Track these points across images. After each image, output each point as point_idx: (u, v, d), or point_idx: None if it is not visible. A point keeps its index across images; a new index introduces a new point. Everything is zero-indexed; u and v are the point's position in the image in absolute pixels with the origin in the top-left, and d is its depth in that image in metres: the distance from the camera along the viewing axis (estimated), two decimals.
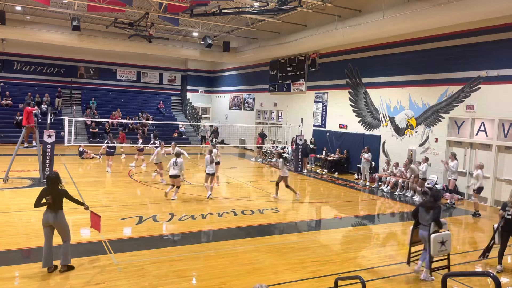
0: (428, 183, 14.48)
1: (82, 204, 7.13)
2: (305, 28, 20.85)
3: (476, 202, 11.88)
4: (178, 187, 12.37)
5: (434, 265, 7.04)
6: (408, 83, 16.30)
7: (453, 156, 13.20)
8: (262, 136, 24.60)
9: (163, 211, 10.78)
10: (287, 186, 12.75)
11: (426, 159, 14.06)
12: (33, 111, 15.47)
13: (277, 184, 12.91)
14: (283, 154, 21.89)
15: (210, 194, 12.57)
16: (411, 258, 7.29)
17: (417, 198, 13.83)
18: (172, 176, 12.28)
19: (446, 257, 7.18)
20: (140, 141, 18.22)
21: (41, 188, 6.85)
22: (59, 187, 6.79)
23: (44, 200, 6.66)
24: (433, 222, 6.89)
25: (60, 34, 23.28)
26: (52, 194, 6.63)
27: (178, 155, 12.57)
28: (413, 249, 7.33)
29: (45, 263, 6.57)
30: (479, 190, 11.92)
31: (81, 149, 20.40)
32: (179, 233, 9.24)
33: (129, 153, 21.31)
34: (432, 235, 6.82)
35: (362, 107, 18.60)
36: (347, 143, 19.29)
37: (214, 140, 24.59)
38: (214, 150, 14.03)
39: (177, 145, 15.26)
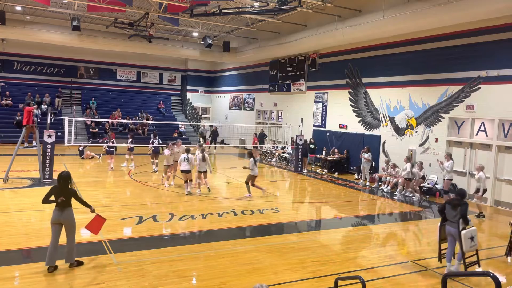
0: (428, 183, 14.51)
1: (89, 206, 7.15)
2: (305, 28, 20.84)
3: (479, 204, 11.84)
4: (191, 180, 12.90)
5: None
6: (408, 83, 16.30)
7: (449, 156, 13.28)
8: (262, 136, 24.57)
9: (163, 211, 10.79)
10: (246, 183, 13.09)
11: (408, 159, 14.36)
12: (32, 110, 15.46)
13: (252, 185, 13.07)
14: (283, 154, 22.12)
15: (200, 191, 13.14)
16: (441, 254, 7.49)
17: (416, 198, 13.82)
18: (184, 171, 12.80)
19: (474, 253, 7.38)
20: (130, 140, 18.17)
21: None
22: (70, 186, 6.85)
23: (52, 198, 6.72)
24: (461, 218, 7.05)
25: (60, 34, 23.29)
26: (62, 192, 6.70)
27: (188, 150, 13.11)
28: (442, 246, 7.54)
29: (48, 261, 6.57)
30: (479, 190, 11.90)
31: (81, 148, 20.40)
32: (179, 233, 9.26)
33: (122, 153, 21.27)
34: (462, 232, 7.00)
35: (362, 107, 18.60)
36: (347, 143, 19.28)
37: (201, 140, 24.29)
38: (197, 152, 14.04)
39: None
